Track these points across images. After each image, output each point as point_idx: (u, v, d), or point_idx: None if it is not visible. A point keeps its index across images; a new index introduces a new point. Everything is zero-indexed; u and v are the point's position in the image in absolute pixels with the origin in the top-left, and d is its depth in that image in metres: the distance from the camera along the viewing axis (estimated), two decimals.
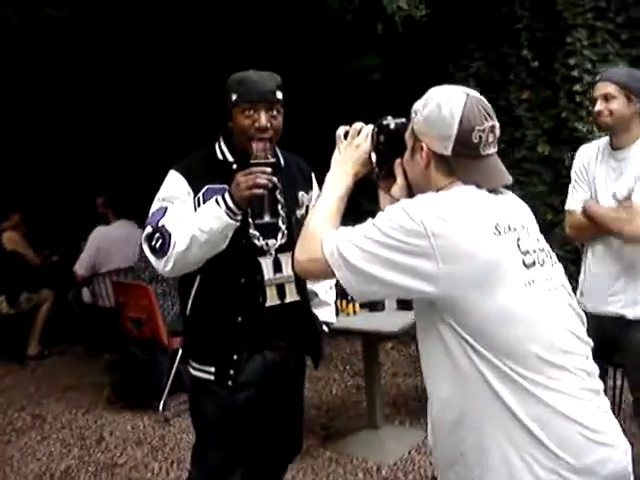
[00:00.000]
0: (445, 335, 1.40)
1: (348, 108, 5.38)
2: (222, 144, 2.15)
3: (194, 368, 2.16)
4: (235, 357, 2.08)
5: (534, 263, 1.43)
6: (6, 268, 5.31)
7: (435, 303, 1.40)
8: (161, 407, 4.14)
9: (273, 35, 4.79)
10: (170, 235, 1.95)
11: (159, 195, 2.09)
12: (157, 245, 1.98)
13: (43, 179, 6.30)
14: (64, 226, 5.79)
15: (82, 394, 4.59)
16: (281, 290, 2.12)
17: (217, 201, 1.95)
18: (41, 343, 5.45)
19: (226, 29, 4.79)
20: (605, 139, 2.64)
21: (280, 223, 2.13)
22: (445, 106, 1.44)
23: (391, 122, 1.62)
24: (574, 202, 2.67)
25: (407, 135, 1.54)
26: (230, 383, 2.08)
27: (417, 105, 1.50)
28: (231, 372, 2.08)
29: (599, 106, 2.54)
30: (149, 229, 2.01)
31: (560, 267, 1.57)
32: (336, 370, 4.72)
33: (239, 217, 1.96)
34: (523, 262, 1.41)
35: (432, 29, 4.73)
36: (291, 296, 2.15)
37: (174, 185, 2.07)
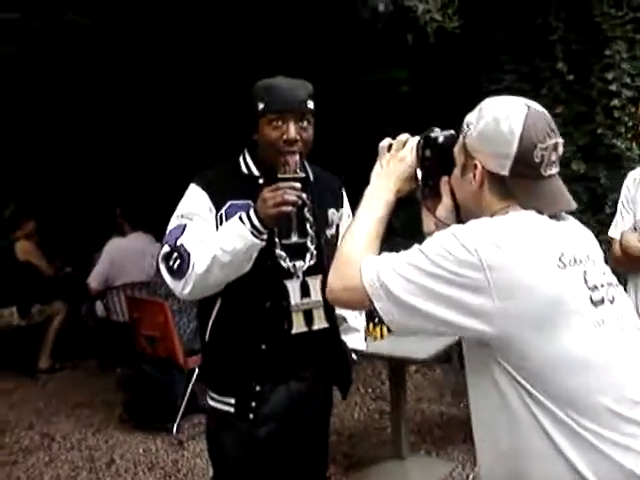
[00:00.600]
0: (499, 378, 1.22)
1: (374, 121, 5.28)
2: (247, 157, 1.99)
3: (213, 399, 1.99)
4: (258, 388, 1.92)
5: (603, 300, 1.25)
6: (18, 278, 5.17)
7: (489, 343, 1.22)
8: (175, 429, 3.96)
9: (300, 41, 4.62)
10: (189, 255, 1.80)
11: (178, 211, 1.93)
12: (175, 266, 1.82)
13: (58, 187, 6.19)
14: (78, 237, 5.65)
15: (93, 412, 4.43)
16: (309, 316, 1.95)
17: (241, 218, 1.80)
18: (53, 357, 5.30)
19: (251, 35, 4.63)
20: None
21: (309, 243, 1.96)
22: (503, 121, 1.28)
23: (439, 135, 1.45)
24: (617, 230, 2.51)
25: (456, 150, 1.37)
26: (251, 416, 1.91)
27: (470, 117, 1.35)
28: (253, 404, 1.91)
29: None
30: (167, 248, 1.86)
31: (629, 302, 1.38)
32: (357, 393, 4.52)
33: (265, 236, 1.80)
34: (591, 299, 1.24)
35: (462, 41, 4.56)
36: (319, 323, 1.97)
37: (194, 200, 1.91)
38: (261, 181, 1.92)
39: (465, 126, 1.34)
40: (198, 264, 1.79)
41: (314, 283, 1.93)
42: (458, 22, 3.79)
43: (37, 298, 5.26)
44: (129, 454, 3.77)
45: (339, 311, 2.09)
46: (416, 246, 1.28)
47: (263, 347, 1.90)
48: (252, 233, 1.77)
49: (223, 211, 1.88)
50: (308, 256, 1.94)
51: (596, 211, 4.62)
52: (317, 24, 4.47)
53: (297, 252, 1.93)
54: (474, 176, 1.31)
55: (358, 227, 1.41)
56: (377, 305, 1.26)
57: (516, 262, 1.19)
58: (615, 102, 4.35)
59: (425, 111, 5.01)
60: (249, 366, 1.91)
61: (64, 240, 5.70)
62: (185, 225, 1.87)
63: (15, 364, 5.14)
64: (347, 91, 4.89)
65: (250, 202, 1.86)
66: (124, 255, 4.75)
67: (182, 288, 1.83)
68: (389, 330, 3.33)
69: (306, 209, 1.94)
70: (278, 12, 4.41)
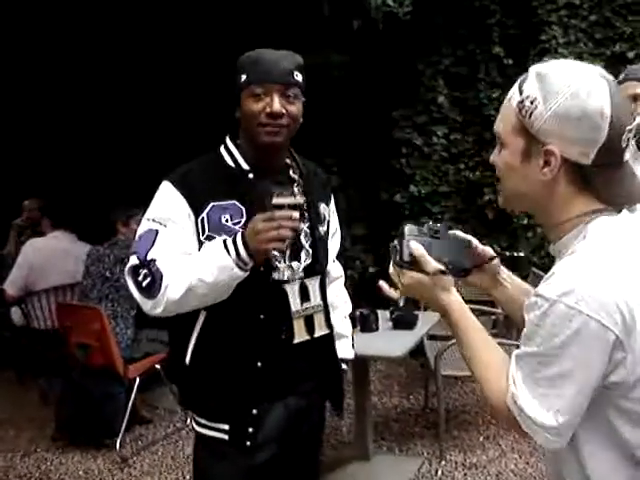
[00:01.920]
0: (614, 419, 1.07)
1: (309, 107, 5.08)
2: (230, 145, 1.74)
3: (201, 425, 1.74)
4: (255, 412, 1.68)
5: None
6: None
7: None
8: (118, 445, 3.64)
9: (242, 24, 4.34)
10: (161, 277, 1.58)
11: (149, 213, 1.68)
12: (144, 284, 1.60)
13: None
14: None
15: (18, 431, 4.00)
16: (310, 323, 1.74)
17: (226, 245, 1.56)
18: None
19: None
20: None
21: (303, 241, 1.73)
22: (588, 98, 1.03)
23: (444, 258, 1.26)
24: None
25: (507, 129, 1.12)
26: (248, 443, 1.68)
27: (529, 88, 1.08)
28: (250, 430, 1.68)
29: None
30: (135, 260, 1.63)
31: None
32: None
33: (250, 266, 1.57)
34: None
35: (400, 25, 4.46)
36: (320, 329, 1.77)
37: (168, 203, 1.66)
38: (251, 176, 1.69)
39: (524, 99, 1.07)
40: (171, 289, 1.57)
41: (313, 285, 1.74)
42: (409, 8, 3.65)
43: None
44: (68, 478, 3.42)
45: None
46: (519, 352, 1.07)
47: (259, 364, 1.67)
48: (237, 265, 1.54)
49: (205, 214, 1.64)
50: (303, 255, 1.73)
51: None
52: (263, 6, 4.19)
53: (291, 252, 1.70)
54: (546, 164, 1.07)
55: (474, 351, 1.18)
56: (539, 440, 1.06)
57: None
58: None
59: (362, 96, 4.89)
60: (244, 387, 1.68)
61: None
62: (157, 233, 1.63)
63: None
64: None
65: (236, 202, 1.65)
66: (45, 257, 4.30)
67: (152, 308, 1.62)
68: (353, 326, 3.19)
69: (302, 236, 1.72)
70: None
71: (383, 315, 3.29)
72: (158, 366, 3.71)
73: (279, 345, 1.69)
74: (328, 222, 1.86)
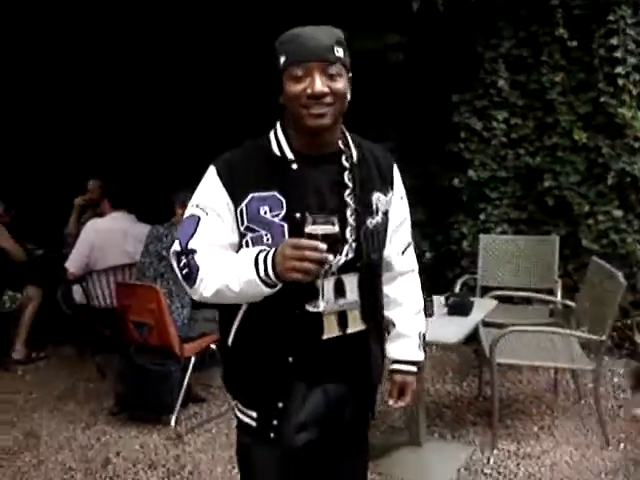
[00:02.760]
0: None
1: (363, 89, 5.03)
2: (279, 132, 1.65)
3: (237, 408, 1.74)
4: (280, 405, 1.64)
5: None
6: None
7: None
8: (173, 422, 3.72)
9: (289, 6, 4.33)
10: (198, 270, 1.57)
11: (194, 198, 1.66)
12: (184, 272, 1.60)
13: (25, 163, 5.77)
14: (50, 215, 5.28)
15: (79, 404, 4.15)
16: (343, 318, 1.66)
17: (256, 261, 1.50)
18: (28, 345, 4.96)
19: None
20: None
21: (347, 234, 1.62)
22: None
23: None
24: None
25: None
26: (272, 435, 1.65)
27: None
28: (274, 422, 1.65)
29: None
30: (177, 247, 1.62)
31: None
32: None
33: (279, 286, 1.51)
34: None
35: (459, 6, 4.36)
36: (354, 325, 1.68)
37: (210, 191, 1.62)
38: (295, 167, 1.60)
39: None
40: (204, 286, 1.57)
41: (351, 281, 1.65)
42: None
43: (8, 284, 4.90)
44: (125, 451, 3.51)
45: (388, 313, 1.83)
46: None
47: (290, 360, 1.63)
48: (264, 283, 1.49)
49: (244, 205, 1.59)
50: (346, 249, 1.63)
51: (596, 182, 4.53)
52: None
53: (332, 244, 1.52)
54: None
55: None
56: None
57: None
58: (619, 69, 4.23)
59: (419, 80, 4.81)
60: (273, 381, 1.65)
61: (34, 221, 5.31)
62: (199, 219, 1.61)
63: None
64: None
65: (276, 194, 1.58)
66: (105, 237, 4.42)
67: (193, 294, 1.62)
68: None
69: (347, 230, 1.61)
70: None
71: (438, 301, 3.26)
72: (214, 346, 3.77)
73: (311, 341, 1.63)
74: (385, 213, 1.73)
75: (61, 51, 5.18)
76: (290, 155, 1.62)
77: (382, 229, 1.72)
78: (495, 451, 3.31)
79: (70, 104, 5.64)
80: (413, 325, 1.87)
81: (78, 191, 5.07)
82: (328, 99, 1.54)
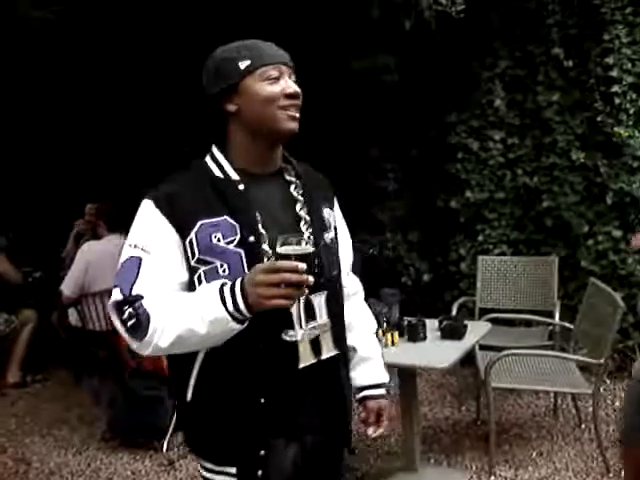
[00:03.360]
0: None
1: (361, 111, 5.04)
2: (217, 155, 1.55)
3: (207, 469, 1.55)
4: (262, 452, 1.49)
5: None
6: None
7: None
8: (165, 448, 3.66)
9: (281, 25, 4.33)
10: (148, 319, 1.39)
11: (130, 238, 1.48)
12: (129, 324, 1.41)
13: (22, 186, 5.78)
14: (47, 238, 5.27)
15: (71, 430, 4.10)
16: (315, 344, 1.53)
17: (222, 295, 1.36)
18: (23, 369, 4.92)
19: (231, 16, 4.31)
20: None
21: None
22: None
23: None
24: None
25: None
26: None
27: None
28: (259, 473, 1.49)
29: None
30: (118, 295, 1.43)
31: None
32: None
33: (249, 319, 1.38)
34: None
35: (453, 25, 4.35)
36: (327, 350, 1.55)
37: (150, 226, 1.46)
38: (241, 187, 1.48)
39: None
40: (159, 336, 1.39)
41: (319, 302, 1.53)
42: (461, 6, 3.55)
43: (4, 307, 4.87)
44: (117, 478, 3.46)
45: (348, 338, 1.69)
46: None
47: (262, 401, 1.47)
48: (233, 318, 1.35)
49: (193, 235, 1.44)
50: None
51: (594, 202, 4.48)
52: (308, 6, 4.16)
53: (310, 264, 1.44)
54: None
55: None
56: None
57: None
58: (616, 88, 4.19)
59: (414, 100, 4.80)
60: (248, 427, 1.48)
61: (30, 243, 5.31)
62: (140, 261, 1.44)
63: None
64: (329, 80, 4.60)
65: (227, 218, 1.45)
66: (100, 260, 4.39)
67: (138, 349, 1.43)
68: (401, 335, 3.12)
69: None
70: None
71: (431, 324, 3.20)
72: None
73: (282, 374, 1.49)
74: (335, 228, 1.64)
75: (57, 73, 5.19)
76: (234, 175, 1.51)
77: (336, 244, 1.65)
78: (492, 478, 3.23)
79: (66, 127, 5.65)
80: (374, 347, 1.79)
81: (76, 214, 5.06)
82: (299, 102, 1.51)
